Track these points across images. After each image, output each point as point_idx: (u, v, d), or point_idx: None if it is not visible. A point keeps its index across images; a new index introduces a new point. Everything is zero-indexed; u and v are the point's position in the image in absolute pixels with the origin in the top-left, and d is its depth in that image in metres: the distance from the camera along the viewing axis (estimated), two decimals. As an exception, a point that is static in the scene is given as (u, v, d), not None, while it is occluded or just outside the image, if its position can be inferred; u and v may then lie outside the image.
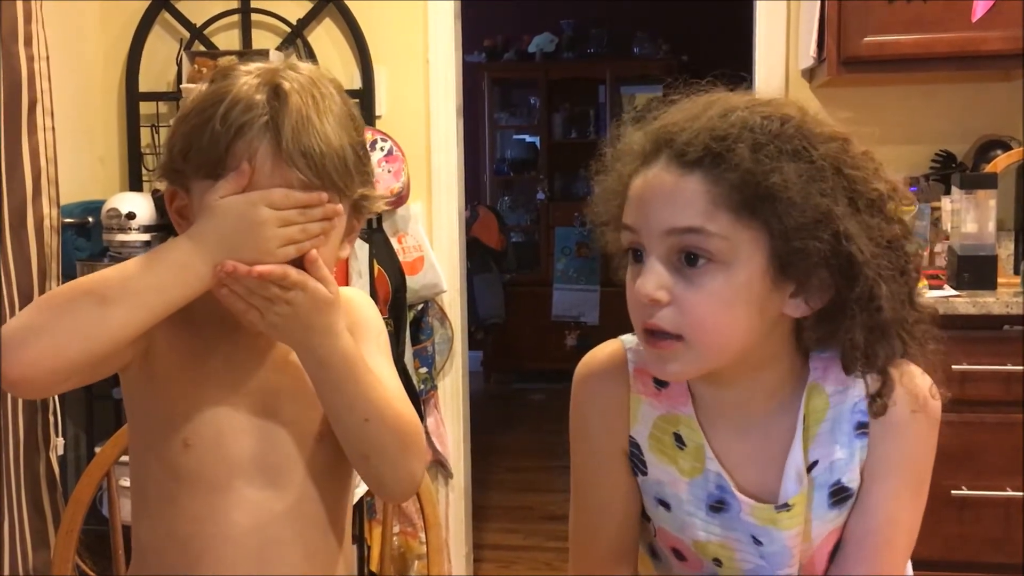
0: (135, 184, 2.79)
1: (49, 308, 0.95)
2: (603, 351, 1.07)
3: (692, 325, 0.90)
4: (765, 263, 0.89)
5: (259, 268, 0.96)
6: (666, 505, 1.04)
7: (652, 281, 0.90)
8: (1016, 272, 2.36)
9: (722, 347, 0.92)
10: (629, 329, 1.07)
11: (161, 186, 1.09)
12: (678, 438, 1.01)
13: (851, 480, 0.98)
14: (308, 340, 1.01)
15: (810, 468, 0.98)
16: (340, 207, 1.03)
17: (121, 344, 0.96)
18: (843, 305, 0.91)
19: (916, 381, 0.97)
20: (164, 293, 0.97)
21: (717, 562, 1.02)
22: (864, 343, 0.91)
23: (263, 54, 2.60)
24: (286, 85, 1.01)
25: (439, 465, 2.82)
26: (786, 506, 0.97)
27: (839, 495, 0.98)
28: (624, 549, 1.07)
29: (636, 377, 1.04)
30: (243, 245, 0.98)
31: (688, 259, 0.89)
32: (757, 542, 0.99)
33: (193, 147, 1.01)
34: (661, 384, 1.03)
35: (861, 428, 0.98)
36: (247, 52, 2.71)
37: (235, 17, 2.80)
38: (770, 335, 0.94)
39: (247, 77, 1.02)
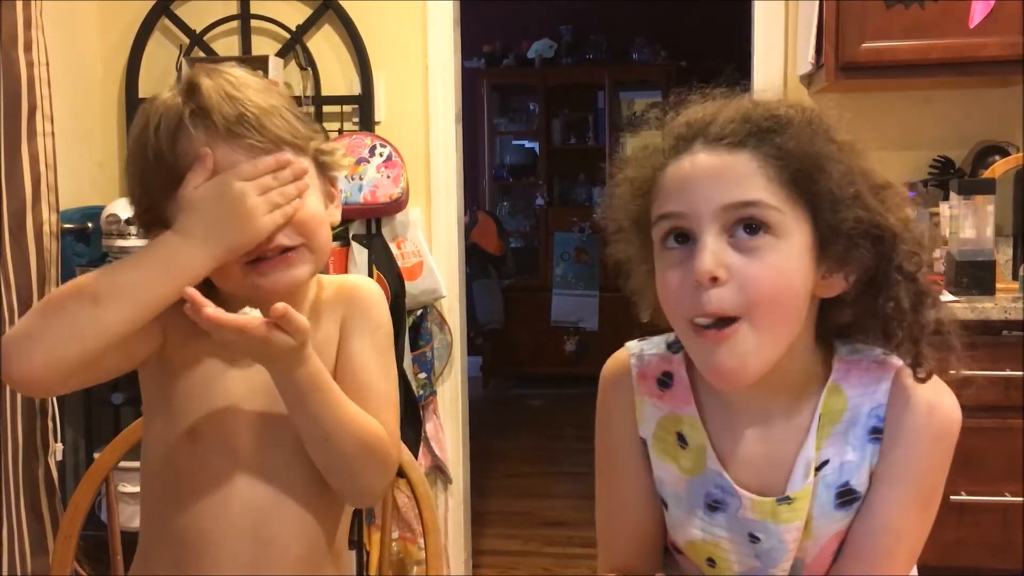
0: (134, 190, 2.79)
1: (45, 312, 0.97)
2: (612, 359, 1.10)
3: (755, 299, 0.89)
4: (810, 240, 0.91)
5: (210, 313, 0.93)
6: (664, 504, 1.05)
7: (710, 258, 0.88)
8: (1014, 277, 2.36)
9: (783, 324, 0.91)
10: (627, 334, 1.08)
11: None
12: (680, 437, 1.02)
13: (860, 483, 0.98)
14: (270, 366, 1.02)
15: (821, 467, 0.98)
16: (304, 164, 1.06)
17: (116, 341, 0.97)
18: (884, 275, 0.93)
19: (935, 393, 0.97)
20: (154, 288, 0.98)
21: (711, 562, 1.03)
22: (908, 308, 0.93)
23: (262, 60, 2.60)
24: (199, 80, 1.04)
25: (438, 470, 2.82)
26: (787, 499, 0.97)
27: (846, 496, 0.98)
28: (647, 543, 1.08)
29: (639, 381, 1.05)
30: (230, 224, 0.99)
31: (748, 228, 0.89)
32: (754, 539, 0.99)
33: (146, 173, 1.04)
34: (664, 386, 1.04)
35: (875, 433, 0.98)
36: (246, 58, 2.72)
37: (235, 23, 2.81)
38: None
39: (165, 93, 1.06)
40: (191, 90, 1.03)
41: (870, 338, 0.99)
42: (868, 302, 0.95)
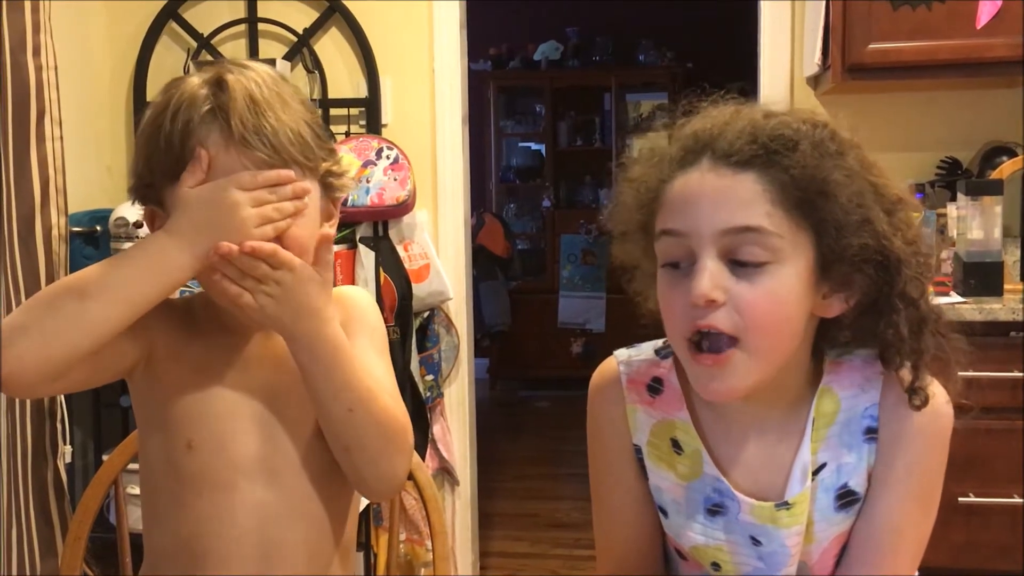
0: (142, 193, 2.80)
1: (34, 307, 0.97)
2: (600, 368, 1.09)
3: (750, 324, 0.89)
4: (812, 264, 0.91)
5: (249, 243, 0.98)
6: (664, 512, 1.05)
7: (708, 281, 0.88)
8: (1022, 278, 2.35)
9: (777, 348, 0.91)
10: (634, 336, 1.08)
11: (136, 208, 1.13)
12: (675, 443, 1.02)
13: (859, 484, 0.98)
14: (297, 324, 1.02)
15: (818, 471, 0.98)
16: (308, 184, 1.04)
17: (103, 338, 0.97)
18: (886, 301, 0.92)
19: (928, 390, 0.96)
20: (142, 285, 0.98)
21: (716, 566, 1.03)
22: (908, 336, 0.92)
23: (270, 63, 2.61)
24: (229, 77, 1.03)
25: (445, 472, 2.82)
26: (786, 504, 0.97)
27: (846, 498, 0.98)
28: (644, 550, 1.08)
29: (629, 388, 1.05)
30: (220, 229, 0.99)
31: (747, 254, 0.89)
32: (756, 542, 0.99)
33: (153, 154, 1.03)
34: (655, 392, 1.04)
35: (870, 433, 0.98)
36: (254, 61, 2.72)
37: (242, 27, 2.82)
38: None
39: (193, 79, 1.05)
40: (219, 86, 1.02)
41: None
42: (868, 324, 0.94)
